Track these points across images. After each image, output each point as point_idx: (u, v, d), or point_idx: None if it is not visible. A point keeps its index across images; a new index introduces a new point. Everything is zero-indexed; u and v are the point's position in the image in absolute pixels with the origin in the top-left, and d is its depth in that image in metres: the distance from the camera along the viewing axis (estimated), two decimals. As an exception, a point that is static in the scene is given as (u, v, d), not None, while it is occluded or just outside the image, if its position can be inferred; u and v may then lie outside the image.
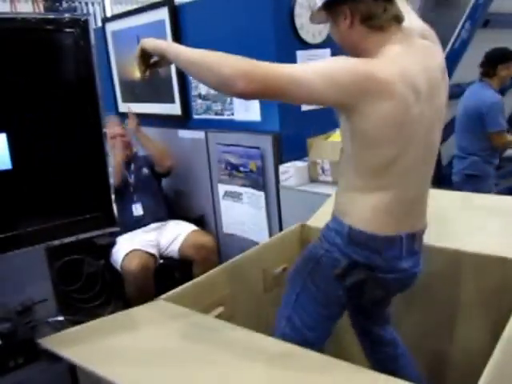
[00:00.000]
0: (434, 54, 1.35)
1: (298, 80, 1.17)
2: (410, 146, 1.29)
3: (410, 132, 1.27)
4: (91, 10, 7.68)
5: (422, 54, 1.30)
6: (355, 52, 1.28)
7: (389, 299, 1.61)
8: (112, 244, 2.80)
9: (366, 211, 1.35)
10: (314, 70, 1.20)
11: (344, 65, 1.21)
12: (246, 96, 1.19)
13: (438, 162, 3.59)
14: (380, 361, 1.69)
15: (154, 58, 1.35)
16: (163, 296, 1.51)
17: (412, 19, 1.43)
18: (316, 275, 1.44)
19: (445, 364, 1.80)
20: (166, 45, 1.31)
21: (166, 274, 2.77)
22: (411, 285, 1.49)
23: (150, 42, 1.31)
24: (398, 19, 1.28)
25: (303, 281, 1.47)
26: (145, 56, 1.34)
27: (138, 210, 2.90)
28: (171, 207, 3.14)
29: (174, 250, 2.85)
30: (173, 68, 2.95)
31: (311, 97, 1.21)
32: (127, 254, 2.64)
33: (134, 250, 2.65)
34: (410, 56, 1.26)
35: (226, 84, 1.15)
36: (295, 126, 2.57)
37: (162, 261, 2.82)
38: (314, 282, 1.44)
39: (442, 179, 3.62)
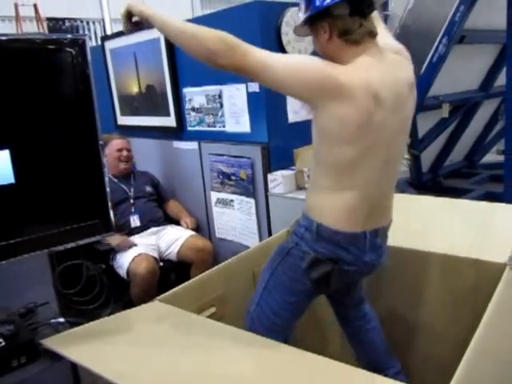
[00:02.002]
0: (404, 69, 1.40)
1: (268, 67, 1.25)
2: (372, 151, 1.33)
3: (372, 137, 1.31)
4: (92, 29, 7.71)
5: (392, 68, 1.35)
6: (333, 61, 1.33)
7: (354, 287, 1.66)
8: (112, 249, 2.81)
9: (334, 210, 1.38)
10: (285, 61, 1.28)
11: (312, 63, 1.28)
12: (225, 69, 1.26)
13: (419, 169, 3.64)
14: (352, 333, 1.76)
15: (137, 19, 1.40)
16: (159, 297, 1.52)
17: (386, 38, 1.49)
18: (285, 264, 1.48)
19: (421, 361, 1.81)
20: (152, 13, 1.34)
21: (164, 275, 2.78)
22: (372, 273, 1.55)
23: (137, 7, 1.37)
24: (372, 34, 1.34)
25: (272, 270, 1.51)
26: (129, 16, 1.40)
27: (135, 221, 2.91)
28: (167, 213, 3.16)
29: (172, 252, 2.87)
30: (168, 83, 2.98)
31: (275, 84, 1.29)
32: (134, 258, 2.64)
33: (141, 254, 2.67)
34: (380, 68, 1.31)
35: (210, 57, 1.25)
36: (282, 137, 2.60)
37: (161, 263, 2.84)
38: (282, 270, 1.48)
39: (423, 185, 3.66)
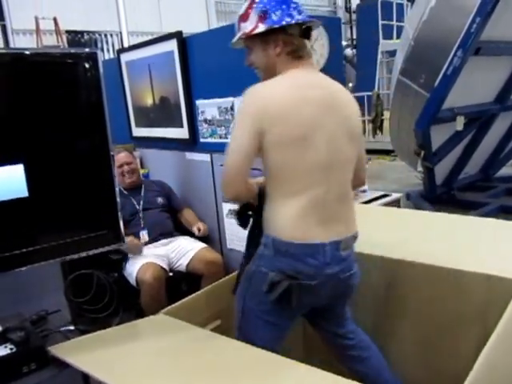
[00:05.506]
0: (336, 85, 1.53)
1: (228, 154, 1.40)
2: (308, 151, 1.39)
3: (304, 133, 1.38)
4: (110, 42, 7.87)
5: (321, 79, 1.51)
6: (271, 73, 1.47)
7: (333, 303, 1.58)
8: (123, 259, 2.86)
9: (285, 219, 1.40)
10: (232, 146, 1.41)
11: (244, 117, 1.41)
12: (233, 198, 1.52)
13: (432, 181, 3.63)
14: (351, 365, 1.69)
15: None
16: (164, 310, 1.54)
17: None
18: (251, 293, 1.50)
19: (431, 377, 1.78)
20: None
21: (174, 286, 2.82)
22: (349, 289, 1.52)
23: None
24: (310, 53, 1.52)
25: (243, 299, 1.53)
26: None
27: (144, 236, 2.94)
28: (179, 224, 3.20)
29: (182, 264, 2.89)
30: (181, 95, 3.04)
31: (247, 156, 1.38)
32: (141, 267, 2.70)
33: (148, 263, 2.73)
34: (310, 76, 1.48)
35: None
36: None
37: (171, 274, 2.87)
38: (250, 299, 1.50)
39: (437, 198, 3.63)
